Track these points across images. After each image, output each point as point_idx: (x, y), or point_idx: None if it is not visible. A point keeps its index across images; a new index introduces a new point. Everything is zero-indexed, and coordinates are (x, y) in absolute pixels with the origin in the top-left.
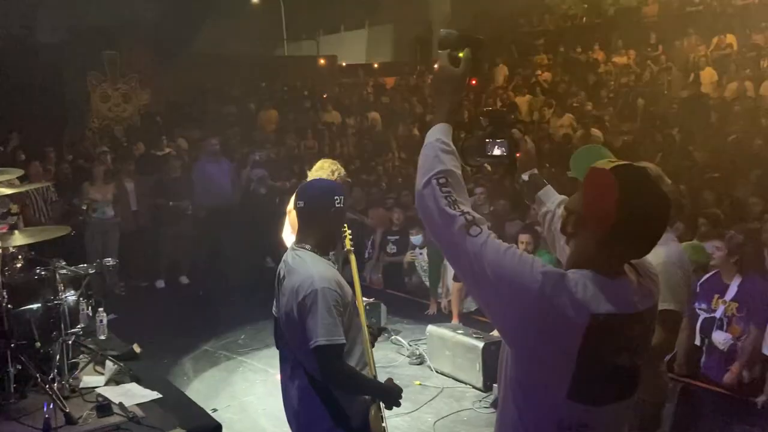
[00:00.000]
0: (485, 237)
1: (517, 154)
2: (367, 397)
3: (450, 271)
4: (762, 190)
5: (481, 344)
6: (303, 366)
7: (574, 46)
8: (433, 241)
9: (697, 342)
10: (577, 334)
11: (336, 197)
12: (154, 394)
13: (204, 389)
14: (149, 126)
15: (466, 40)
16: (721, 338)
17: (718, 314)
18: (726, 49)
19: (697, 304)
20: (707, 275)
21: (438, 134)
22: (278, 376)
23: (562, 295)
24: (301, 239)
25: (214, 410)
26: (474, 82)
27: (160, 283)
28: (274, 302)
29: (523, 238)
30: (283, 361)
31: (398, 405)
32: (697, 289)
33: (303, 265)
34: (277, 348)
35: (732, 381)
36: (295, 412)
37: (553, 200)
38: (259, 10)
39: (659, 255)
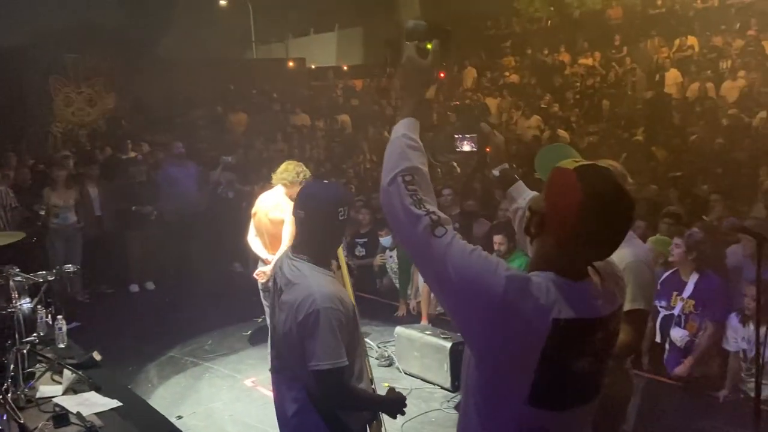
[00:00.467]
0: (450, 238)
1: (487, 149)
2: (366, 414)
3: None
4: (723, 188)
5: (449, 344)
6: (301, 380)
7: (540, 48)
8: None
9: (658, 339)
10: (539, 340)
11: (340, 209)
12: (114, 403)
13: (169, 396)
14: (115, 130)
15: (434, 32)
16: (678, 335)
17: (676, 311)
18: (687, 50)
19: (657, 302)
20: (667, 273)
21: (404, 129)
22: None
23: (526, 299)
24: (298, 249)
25: (179, 417)
26: (442, 75)
27: (134, 288)
28: (268, 311)
29: (497, 239)
30: (276, 371)
31: (402, 414)
32: (658, 287)
33: (303, 280)
34: (271, 356)
35: (683, 373)
36: (288, 424)
37: (524, 196)
38: (228, 14)
39: (626, 255)
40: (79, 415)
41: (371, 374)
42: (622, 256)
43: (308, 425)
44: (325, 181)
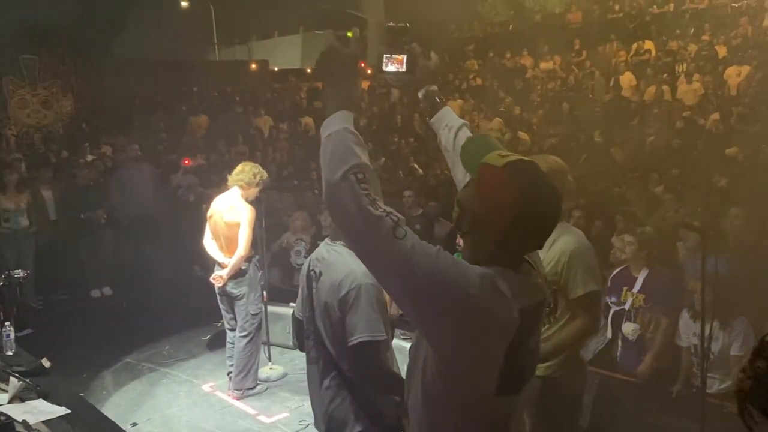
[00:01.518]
0: (411, 240)
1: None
2: (398, 398)
3: None
4: (679, 187)
5: (408, 345)
6: (336, 366)
7: (503, 52)
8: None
9: (609, 335)
10: (510, 332)
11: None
12: (62, 410)
13: (124, 403)
14: (73, 133)
15: (353, 19)
16: (629, 329)
17: (626, 306)
18: (644, 54)
19: (608, 298)
20: (618, 269)
21: (343, 122)
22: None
23: (495, 295)
24: (336, 236)
25: (134, 424)
26: (363, 64)
27: (95, 293)
28: (298, 303)
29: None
30: (311, 362)
31: None
32: (608, 283)
33: (342, 260)
34: (301, 350)
35: (645, 371)
36: (326, 413)
37: (447, 123)
38: (189, 15)
39: (570, 242)
40: (25, 423)
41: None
42: (566, 243)
43: (343, 411)
44: None
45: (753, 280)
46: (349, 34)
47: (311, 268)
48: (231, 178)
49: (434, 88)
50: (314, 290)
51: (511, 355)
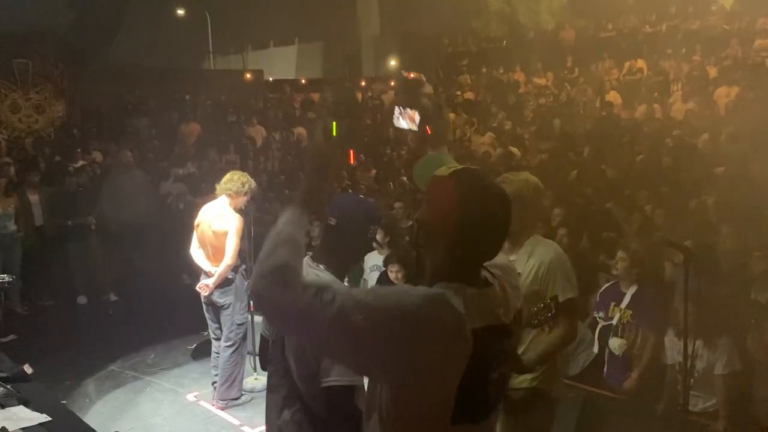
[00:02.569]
0: (340, 297)
1: (427, 130)
2: None
3: (371, 284)
4: (669, 204)
5: None
6: (301, 400)
7: (496, 67)
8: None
9: (595, 349)
10: (463, 354)
11: (372, 227)
12: (43, 417)
13: (107, 411)
14: (64, 138)
15: (345, 108)
16: (616, 344)
17: (614, 321)
18: (636, 73)
19: (596, 313)
20: (607, 285)
21: (285, 219)
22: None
23: (446, 315)
24: (318, 257)
25: None
26: (352, 156)
27: (81, 300)
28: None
29: (393, 267)
30: (272, 390)
31: None
32: (597, 298)
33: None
34: (264, 370)
35: (631, 387)
36: None
37: None
38: (185, 23)
39: (547, 252)
40: (4, 429)
41: None
42: (543, 254)
43: None
44: (363, 197)
45: (737, 298)
46: (335, 131)
47: None
48: (219, 187)
49: (446, 150)
50: None
51: (469, 382)
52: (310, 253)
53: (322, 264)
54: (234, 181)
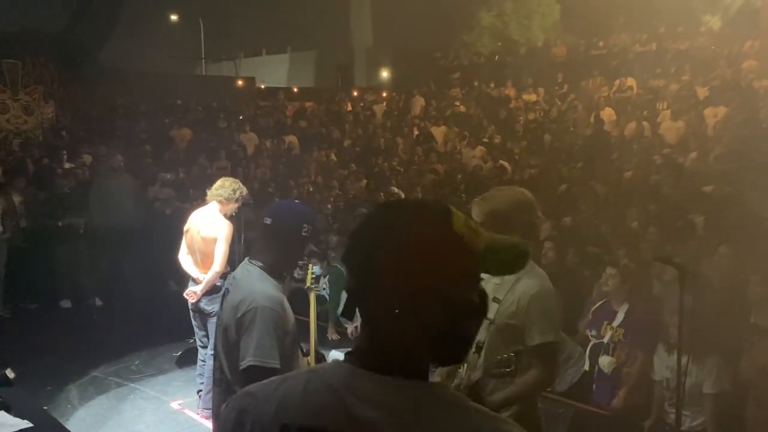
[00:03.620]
0: None
1: None
2: None
3: None
4: (656, 222)
5: None
6: (232, 389)
7: (487, 81)
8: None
9: (586, 367)
10: None
11: (305, 225)
12: (24, 423)
13: (89, 418)
14: (53, 140)
15: None
16: (605, 362)
17: (605, 339)
18: (627, 91)
19: (588, 331)
20: (600, 302)
21: None
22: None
23: None
24: (256, 255)
25: None
26: None
27: (65, 303)
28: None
29: None
30: (215, 384)
31: None
32: (590, 316)
33: (248, 280)
34: (213, 368)
35: (619, 405)
36: None
37: None
38: (178, 28)
39: (532, 285)
40: None
41: None
42: (527, 286)
43: None
44: (295, 201)
45: (732, 318)
46: None
47: (226, 286)
48: (210, 193)
49: None
50: (222, 309)
51: None
52: (251, 253)
53: (259, 262)
54: (225, 187)
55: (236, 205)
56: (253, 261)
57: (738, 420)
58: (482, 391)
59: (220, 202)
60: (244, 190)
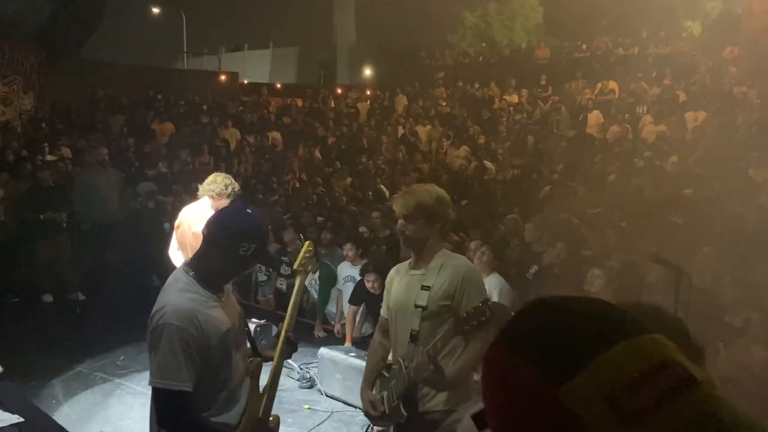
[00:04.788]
0: None
1: None
2: None
3: (345, 294)
4: (636, 226)
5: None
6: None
7: (472, 81)
8: (324, 263)
9: None
10: None
11: (244, 244)
12: (15, 418)
13: (75, 414)
14: (32, 132)
15: None
16: None
17: None
18: (609, 94)
19: None
20: None
21: None
22: None
23: None
24: (191, 262)
25: None
26: None
27: (47, 298)
28: None
29: (370, 277)
30: (151, 399)
31: None
32: None
33: (168, 291)
34: None
35: None
36: None
37: None
38: (160, 21)
39: (461, 265)
40: None
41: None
42: (457, 267)
43: None
44: (248, 210)
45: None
46: None
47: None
48: (202, 188)
49: None
50: None
51: None
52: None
53: (191, 270)
54: (217, 182)
55: (228, 200)
56: (185, 268)
57: None
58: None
59: (211, 197)
60: (236, 186)
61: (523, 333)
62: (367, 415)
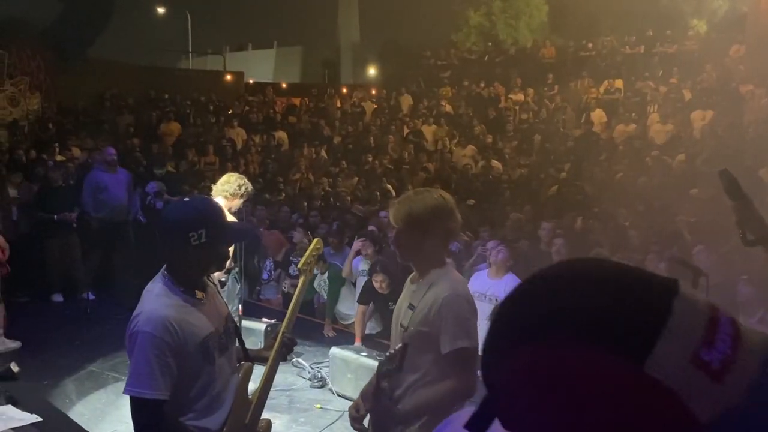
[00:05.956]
0: None
1: None
2: None
3: (358, 287)
4: (645, 223)
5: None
6: None
7: (477, 80)
8: (332, 263)
9: None
10: None
11: (192, 233)
12: (33, 417)
13: (88, 413)
14: (39, 132)
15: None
16: None
17: None
18: (615, 93)
19: None
20: None
21: None
22: None
23: None
24: (166, 267)
25: None
26: None
27: (57, 298)
28: None
29: (378, 278)
30: None
31: None
32: None
33: (146, 297)
34: None
35: None
36: None
37: None
38: (165, 21)
39: (444, 289)
40: None
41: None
42: (440, 290)
43: None
44: (186, 199)
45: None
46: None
47: None
48: (215, 189)
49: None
50: None
51: None
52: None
53: (169, 275)
54: (231, 183)
55: (241, 200)
56: (164, 272)
57: None
58: (392, 398)
59: (225, 197)
60: (249, 186)
61: (574, 317)
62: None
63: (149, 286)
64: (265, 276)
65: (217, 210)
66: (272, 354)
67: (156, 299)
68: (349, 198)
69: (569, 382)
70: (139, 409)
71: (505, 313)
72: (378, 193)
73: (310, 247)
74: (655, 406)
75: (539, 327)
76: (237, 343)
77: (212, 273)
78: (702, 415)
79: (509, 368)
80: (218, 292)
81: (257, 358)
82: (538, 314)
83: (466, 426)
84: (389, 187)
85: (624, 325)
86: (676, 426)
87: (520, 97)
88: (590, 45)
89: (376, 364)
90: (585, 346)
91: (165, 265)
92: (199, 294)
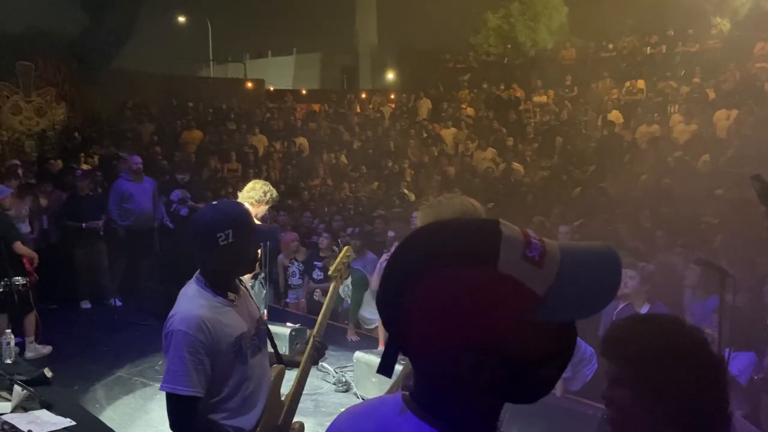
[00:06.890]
0: None
1: None
2: None
3: None
4: (668, 225)
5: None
6: None
7: (497, 83)
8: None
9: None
10: None
11: (219, 234)
12: (67, 422)
13: (118, 418)
14: (66, 141)
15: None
16: None
17: None
18: (637, 94)
19: None
20: (621, 305)
21: None
22: None
23: None
24: (200, 270)
25: None
26: None
27: (85, 304)
28: None
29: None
30: None
31: None
32: (614, 317)
33: (181, 299)
34: None
35: None
36: None
37: None
38: (186, 31)
39: None
40: None
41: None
42: None
43: None
44: (214, 203)
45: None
46: None
47: None
48: (241, 195)
49: None
50: None
51: None
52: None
53: (203, 278)
54: (256, 189)
55: (266, 207)
56: (198, 275)
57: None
58: None
59: (251, 204)
60: (275, 193)
61: (444, 251)
62: None
63: (184, 288)
64: (296, 280)
65: (244, 212)
66: (304, 358)
67: (190, 300)
68: (368, 201)
69: (455, 294)
70: (175, 405)
71: (393, 262)
72: (396, 200)
73: (341, 254)
74: (511, 291)
75: (423, 264)
76: (269, 347)
77: (242, 275)
78: (539, 291)
79: (406, 302)
80: (250, 295)
81: (289, 362)
82: (418, 256)
83: (378, 371)
84: (407, 191)
85: (478, 246)
86: (526, 300)
87: (543, 98)
88: (611, 46)
89: (399, 367)
90: (457, 267)
91: (199, 269)
92: (231, 295)
